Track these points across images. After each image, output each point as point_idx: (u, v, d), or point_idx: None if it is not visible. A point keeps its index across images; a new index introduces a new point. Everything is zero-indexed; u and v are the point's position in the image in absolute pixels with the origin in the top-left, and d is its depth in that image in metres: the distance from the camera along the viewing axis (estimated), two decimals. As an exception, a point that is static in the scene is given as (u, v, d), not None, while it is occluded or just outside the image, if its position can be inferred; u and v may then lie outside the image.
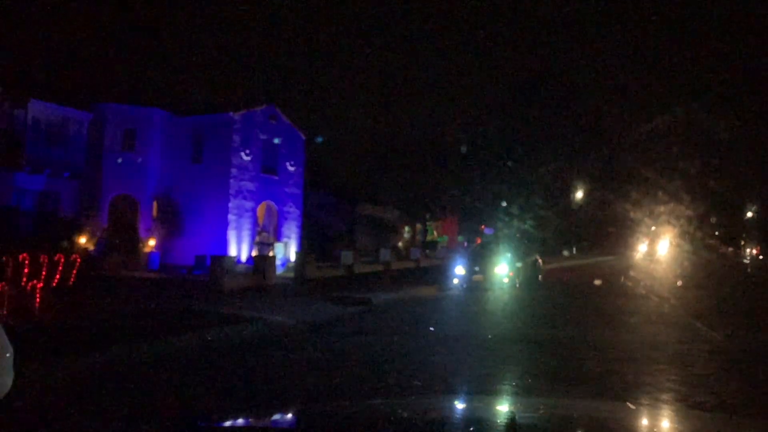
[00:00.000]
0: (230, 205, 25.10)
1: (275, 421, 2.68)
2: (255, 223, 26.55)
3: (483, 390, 6.67)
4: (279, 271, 23.28)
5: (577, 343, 9.67)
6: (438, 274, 20.08)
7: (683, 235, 55.99)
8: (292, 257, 24.78)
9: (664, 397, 6.54)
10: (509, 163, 42.09)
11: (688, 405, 6.23)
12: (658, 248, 58.26)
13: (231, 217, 25.15)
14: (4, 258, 11.33)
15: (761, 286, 23.73)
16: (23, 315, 9.88)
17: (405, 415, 2.67)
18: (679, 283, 25.50)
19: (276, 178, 27.44)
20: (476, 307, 14.77)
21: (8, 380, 2.57)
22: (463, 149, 37.14)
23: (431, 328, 11.00)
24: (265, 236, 26.97)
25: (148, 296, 13.75)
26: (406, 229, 38.22)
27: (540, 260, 21.00)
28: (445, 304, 14.95)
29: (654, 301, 16.77)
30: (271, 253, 23.98)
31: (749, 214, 63.39)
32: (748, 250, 62.32)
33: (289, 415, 2.90)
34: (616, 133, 49.25)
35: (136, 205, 25.42)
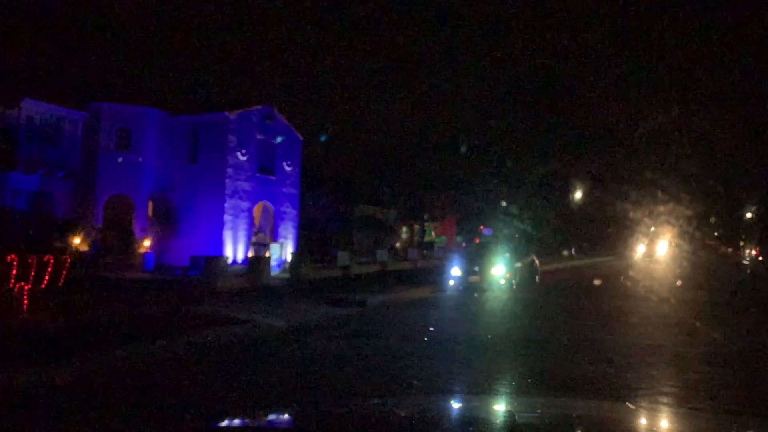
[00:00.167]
0: (226, 205, 24.93)
1: (274, 422, 2.66)
2: (251, 223, 26.38)
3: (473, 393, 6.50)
4: (275, 271, 23.12)
5: (571, 346, 9.50)
6: (435, 275, 19.91)
7: (683, 235, 55.84)
8: (289, 258, 24.62)
9: (663, 400, 6.37)
10: (508, 163, 41.96)
11: (687, 406, 6.13)
12: (657, 249, 58.14)
13: (227, 217, 24.98)
14: (-8, 259, 11.17)
15: (761, 289, 23.53)
16: (6, 317, 9.69)
17: (402, 415, 2.65)
18: (679, 282, 25.37)
19: (272, 178, 27.27)
20: (471, 309, 14.58)
21: None
22: (463, 149, 36.99)
23: (424, 332, 10.81)
24: (261, 237, 26.80)
25: (138, 298, 13.55)
26: (404, 229, 38.05)
27: (537, 261, 20.80)
28: (440, 307, 14.75)
29: (653, 302, 16.63)
30: (267, 254, 23.82)
31: (748, 215, 63.20)
32: (747, 251, 62.13)
33: (290, 416, 2.88)
34: (616, 133, 49.14)
35: (131, 205, 25.26)
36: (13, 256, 11.58)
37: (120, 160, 24.64)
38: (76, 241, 22.24)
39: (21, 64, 26.24)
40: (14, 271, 11.45)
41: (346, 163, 39.64)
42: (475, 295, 16.72)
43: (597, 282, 23.33)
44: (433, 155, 37.99)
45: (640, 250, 57.00)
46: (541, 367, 7.84)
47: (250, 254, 24.68)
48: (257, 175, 26.34)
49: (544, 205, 43.68)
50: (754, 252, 59.92)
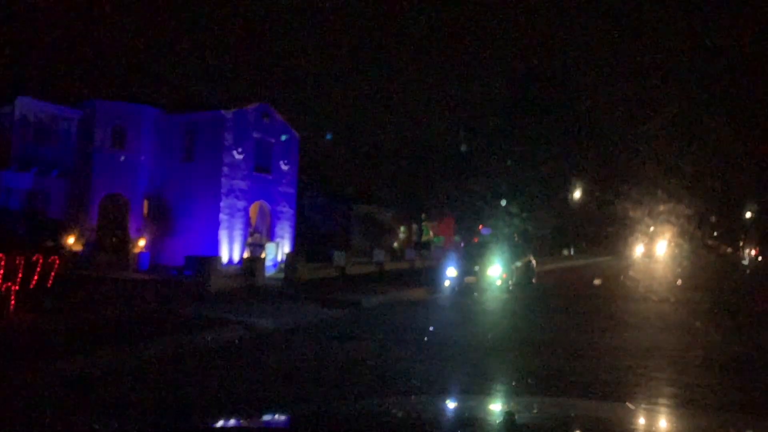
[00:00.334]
0: (222, 204, 24.73)
1: (270, 422, 2.63)
2: (247, 223, 26.18)
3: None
4: (270, 272, 22.95)
5: (566, 350, 9.32)
6: (431, 275, 19.71)
7: (682, 234, 55.70)
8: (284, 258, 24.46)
9: (663, 403, 6.21)
10: (507, 162, 41.77)
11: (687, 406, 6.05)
12: (656, 248, 58.01)
13: (222, 216, 24.79)
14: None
15: (760, 290, 23.37)
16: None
17: (400, 415, 2.64)
18: (679, 282, 25.25)
19: (269, 177, 27.07)
20: (465, 311, 14.37)
21: None
22: (463, 148, 36.80)
23: (415, 335, 10.61)
24: (257, 236, 26.62)
25: (129, 298, 13.38)
26: (402, 229, 37.87)
27: (533, 261, 20.59)
28: (434, 308, 14.56)
29: (652, 303, 16.43)
30: (263, 254, 23.65)
31: (748, 215, 63.02)
32: (746, 251, 61.97)
33: (287, 416, 2.86)
34: (615, 132, 48.95)
35: (126, 204, 25.06)
36: (0, 255, 11.39)
37: (114, 158, 24.44)
38: (70, 240, 22.06)
39: (15, 61, 26.05)
40: (1, 272, 11.25)
41: (344, 162, 39.46)
42: (471, 296, 16.53)
43: (595, 282, 23.16)
44: (431, 154, 37.77)
45: (639, 249, 56.85)
46: (534, 373, 7.66)
47: (246, 254, 24.50)
48: (253, 173, 26.13)
49: (543, 205, 43.51)
50: (753, 252, 59.79)
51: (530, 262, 20.19)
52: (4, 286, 11.19)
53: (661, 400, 6.45)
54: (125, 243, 24.41)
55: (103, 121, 24.50)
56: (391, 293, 16.24)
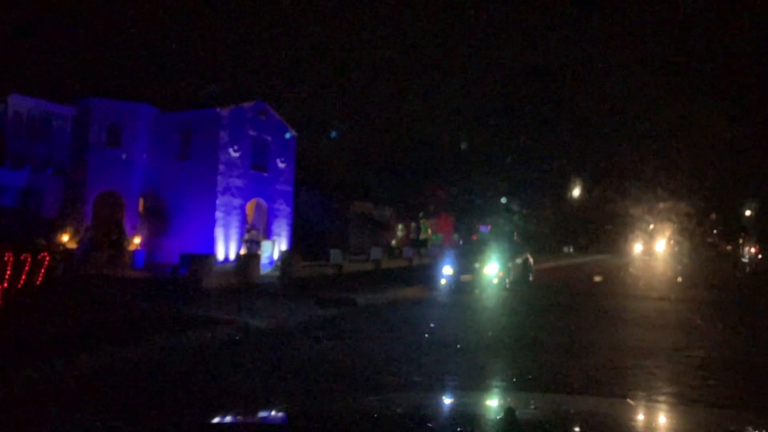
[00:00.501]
0: (218, 202, 24.55)
1: (268, 419, 2.61)
2: (244, 220, 26.02)
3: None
4: (266, 269, 22.78)
5: (561, 349, 9.15)
6: (429, 273, 19.51)
7: (682, 232, 55.53)
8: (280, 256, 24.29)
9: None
10: (507, 160, 41.60)
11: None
12: (656, 246, 57.85)
13: (218, 214, 24.62)
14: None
15: (761, 288, 23.21)
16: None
17: (400, 411, 2.63)
18: (679, 279, 25.14)
19: (266, 174, 26.89)
20: (461, 310, 14.15)
21: None
22: (463, 146, 36.62)
23: (409, 334, 10.44)
24: (254, 234, 26.44)
25: (120, 297, 13.21)
26: (400, 226, 37.69)
27: (531, 259, 20.40)
28: (430, 307, 14.35)
29: (650, 301, 16.26)
30: (259, 252, 23.48)
31: (748, 212, 62.82)
32: (746, 249, 61.78)
33: (285, 413, 2.80)
34: (615, 129, 48.76)
35: (121, 202, 24.89)
36: (-12, 254, 11.22)
37: (110, 156, 24.25)
38: (65, 238, 21.91)
39: (8, 58, 25.86)
40: (-11, 270, 11.07)
41: (342, 160, 39.27)
42: (467, 294, 16.33)
43: (593, 280, 23.01)
44: (430, 152, 37.60)
45: (639, 247, 56.68)
46: (527, 374, 7.48)
47: (243, 252, 24.32)
48: (250, 171, 25.96)
49: (543, 203, 43.35)
50: (753, 249, 59.60)
51: (527, 259, 19.99)
52: (-8, 284, 11.03)
53: (661, 398, 6.33)
54: (120, 241, 24.24)
55: (98, 118, 24.33)
56: (387, 292, 16.06)
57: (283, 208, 28.03)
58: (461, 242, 36.83)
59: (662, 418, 2.85)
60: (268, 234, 26.95)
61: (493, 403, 3.08)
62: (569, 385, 6.88)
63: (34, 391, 6.27)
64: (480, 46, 71.74)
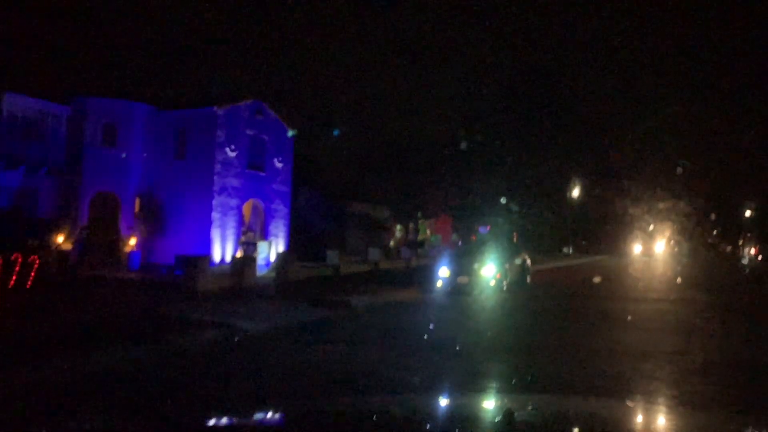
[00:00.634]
0: (214, 202, 24.38)
1: (266, 420, 2.61)
2: (240, 221, 25.85)
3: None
4: (263, 271, 22.59)
5: (558, 353, 8.98)
6: (426, 274, 19.32)
7: (681, 233, 55.36)
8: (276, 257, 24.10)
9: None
10: (506, 160, 41.43)
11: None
12: (656, 247, 57.68)
13: (215, 215, 24.44)
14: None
15: (760, 289, 23.03)
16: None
17: (398, 413, 2.63)
18: (678, 280, 25.01)
19: (263, 174, 26.72)
20: (456, 313, 13.92)
21: None
22: (462, 146, 36.44)
23: (402, 338, 10.26)
24: (251, 235, 26.28)
25: (111, 299, 13.04)
26: (398, 227, 37.51)
27: (528, 260, 20.20)
28: (424, 310, 14.14)
29: (649, 303, 16.07)
30: (255, 253, 23.31)
31: (748, 213, 62.64)
32: (746, 250, 61.61)
33: (283, 413, 2.80)
34: (614, 129, 48.64)
35: (117, 202, 24.71)
36: (-24, 255, 11.07)
37: (105, 156, 24.06)
38: (60, 239, 21.71)
39: (3, 57, 25.69)
40: (-22, 272, 10.93)
41: (340, 160, 39.10)
42: (463, 296, 16.13)
43: (592, 282, 22.82)
44: (428, 152, 37.43)
45: (638, 248, 56.49)
46: (521, 379, 7.30)
47: (239, 253, 24.16)
48: (247, 171, 25.79)
49: (542, 203, 43.19)
50: (753, 251, 59.43)
51: (525, 261, 19.79)
52: (-19, 286, 10.89)
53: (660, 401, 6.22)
54: (116, 242, 24.07)
55: (93, 118, 24.14)
56: (382, 293, 15.88)
57: (281, 208, 27.85)
58: (460, 243, 36.64)
59: (661, 420, 2.84)
60: (265, 235, 26.77)
61: (492, 404, 3.07)
62: (565, 391, 6.70)
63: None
64: (478, 46, 71.61)
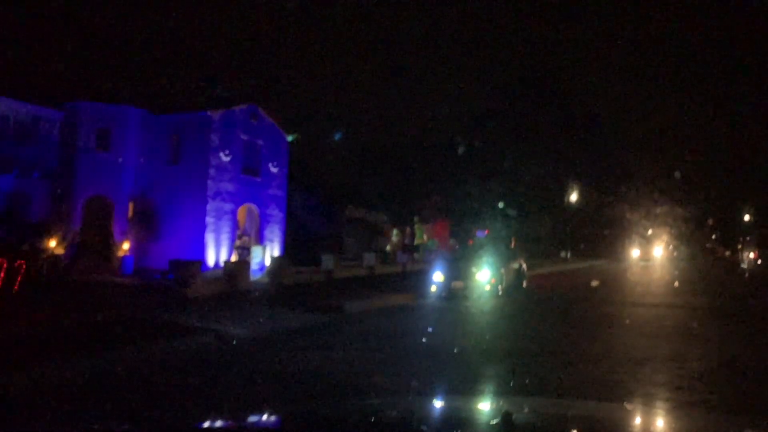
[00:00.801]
0: (208, 207, 24.19)
1: (261, 422, 2.57)
2: (235, 226, 25.66)
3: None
4: (256, 275, 22.41)
5: (552, 361, 8.79)
6: (420, 279, 19.12)
7: (680, 237, 55.20)
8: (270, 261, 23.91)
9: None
10: (504, 164, 41.32)
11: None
12: (654, 251, 57.46)
13: (209, 219, 24.25)
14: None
15: (760, 294, 22.83)
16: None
17: (396, 415, 2.62)
18: (676, 284, 24.86)
19: (258, 179, 26.55)
20: (449, 319, 13.71)
21: None
22: (461, 150, 36.32)
23: (393, 344, 10.06)
24: (245, 240, 26.10)
25: (98, 303, 12.82)
26: (395, 231, 37.31)
27: (524, 265, 19.98)
28: (418, 315, 13.93)
29: (647, 308, 15.86)
30: (248, 258, 23.14)
31: (747, 218, 62.48)
32: (745, 254, 61.39)
33: (278, 416, 2.78)
34: (613, 134, 48.54)
35: (110, 207, 24.51)
36: (-39, 260, 10.89)
37: (98, 160, 23.88)
38: (52, 243, 21.52)
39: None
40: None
41: (337, 164, 38.94)
42: (457, 302, 15.90)
43: (589, 286, 22.65)
44: (425, 156, 37.28)
45: (636, 252, 56.28)
46: (512, 388, 7.11)
47: (234, 258, 23.98)
48: (241, 176, 25.62)
49: (540, 207, 43.04)
50: (752, 255, 59.22)
51: (521, 265, 19.57)
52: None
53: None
54: (109, 246, 23.86)
55: (86, 122, 23.97)
56: (376, 298, 15.68)
57: (276, 213, 27.67)
58: (457, 247, 36.42)
59: (660, 422, 2.85)
60: (260, 239, 26.59)
61: (490, 407, 3.07)
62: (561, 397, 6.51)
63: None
64: (477, 50, 71.58)
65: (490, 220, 36.74)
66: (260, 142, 26.59)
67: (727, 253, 69.15)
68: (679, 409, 5.85)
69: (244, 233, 26.44)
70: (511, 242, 30.13)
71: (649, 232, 54.90)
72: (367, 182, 36.45)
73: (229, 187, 25.08)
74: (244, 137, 25.78)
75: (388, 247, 35.08)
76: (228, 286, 17.60)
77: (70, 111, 23.77)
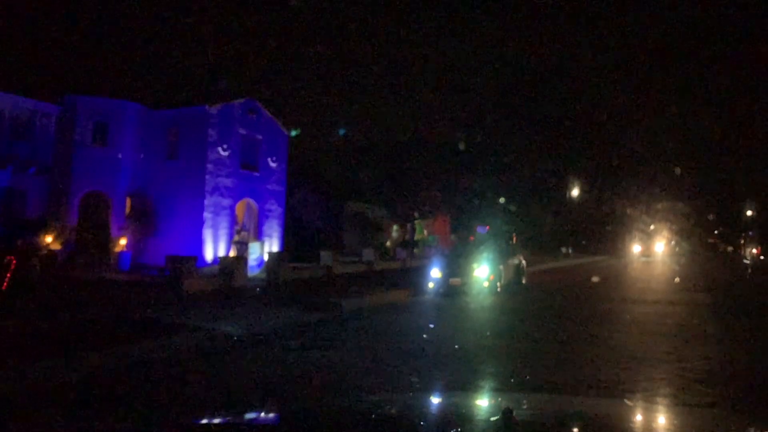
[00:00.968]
0: (206, 202, 24.02)
1: (260, 419, 2.55)
2: (233, 221, 25.48)
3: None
4: (254, 271, 22.26)
5: (545, 360, 8.60)
6: (419, 275, 18.93)
7: (682, 233, 54.93)
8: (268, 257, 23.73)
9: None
10: (505, 160, 41.10)
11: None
12: (656, 247, 57.20)
13: (207, 215, 24.09)
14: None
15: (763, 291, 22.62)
16: None
17: (396, 412, 2.60)
18: (677, 280, 24.68)
19: (256, 174, 26.36)
20: (444, 316, 13.52)
21: None
22: (461, 146, 36.10)
23: (387, 343, 9.87)
24: (244, 235, 25.93)
25: (90, 301, 12.65)
26: (395, 227, 37.12)
27: (524, 261, 19.76)
28: (413, 313, 13.69)
29: (648, 305, 15.66)
30: (246, 254, 22.97)
31: (749, 213, 62.13)
32: (748, 250, 61.07)
33: (276, 413, 2.75)
34: (614, 129, 48.24)
35: (107, 202, 24.35)
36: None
37: (96, 155, 23.71)
38: (48, 239, 21.37)
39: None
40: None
41: (337, 159, 38.73)
42: (454, 299, 15.69)
43: (589, 283, 22.46)
44: (426, 151, 37.04)
45: (637, 248, 56.05)
46: (507, 389, 6.93)
47: (232, 253, 23.82)
48: (240, 171, 25.43)
49: (541, 203, 42.83)
50: (755, 251, 58.91)
51: (520, 262, 19.35)
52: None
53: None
54: (106, 242, 23.71)
55: (83, 117, 23.78)
56: (374, 295, 15.47)
57: (275, 208, 27.49)
58: (456, 243, 36.21)
59: (661, 419, 2.82)
60: (259, 235, 26.41)
61: (490, 403, 3.04)
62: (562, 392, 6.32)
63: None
64: (477, 46, 71.23)
65: (491, 215, 36.52)
66: (259, 136, 26.40)
67: (730, 248, 68.85)
68: (680, 406, 5.73)
69: (243, 228, 26.27)
70: (511, 238, 29.92)
71: (651, 227, 54.63)
72: (367, 177, 36.24)
73: (227, 182, 24.90)
74: (242, 132, 25.59)
75: (388, 243, 34.90)
76: (224, 282, 17.43)
77: (67, 105, 23.58)
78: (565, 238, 46.04)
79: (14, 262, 12.11)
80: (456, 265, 16.70)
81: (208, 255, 23.70)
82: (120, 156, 24.35)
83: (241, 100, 25.64)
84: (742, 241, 66.43)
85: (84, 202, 23.92)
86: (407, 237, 36.39)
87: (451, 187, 37.18)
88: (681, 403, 6.30)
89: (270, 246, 26.13)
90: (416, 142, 37.60)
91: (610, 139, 47.28)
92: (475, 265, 16.33)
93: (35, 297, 12.46)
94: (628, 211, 48.50)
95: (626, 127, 47.44)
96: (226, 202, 24.94)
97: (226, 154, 24.76)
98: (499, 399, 3.35)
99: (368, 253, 26.13)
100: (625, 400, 4.88)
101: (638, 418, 2.73)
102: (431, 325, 12.09)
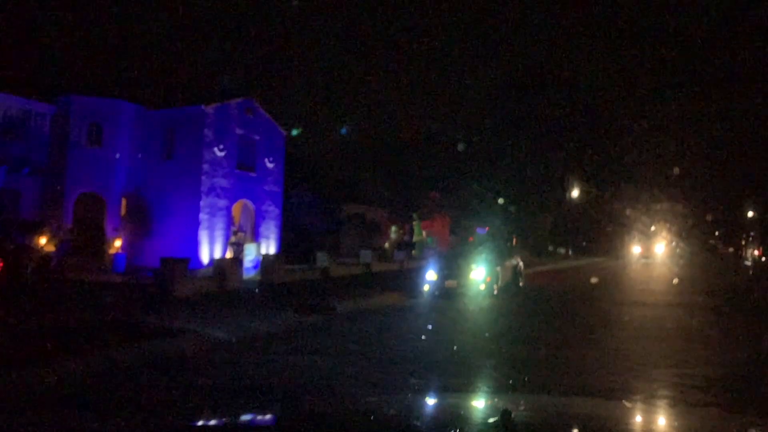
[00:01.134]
0: (202, 203, 23.81)
1: (258, 421, 2.55)
2: (230, 222, 25.26)
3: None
4: (250, 273, 22.04)
5: (540, 367, 8.39)
6: (416, 277, 18.69)
7: (682, 234, 54.70)
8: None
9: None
10: (504, 161, 40.91)
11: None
12: (656, 248, 56.99)
13: (203, 216, 23.87)
14: None
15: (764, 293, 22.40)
16: None
17: (394, 413, 2.60)
18: (675, 281, 24.49)
19: (253, 175, 26.15)
20: (440, 320, 13.25)
21: None
22: (461, 147, 35.93)
23: (379, 348, 9.66)
24: (241, 236, 25.73)
25: (78, 304, 12.42)
26: (393, 229, 36.92)
27: (521, 263, 19.52)
28: (407, 317, 13.46)
29: (647, 308, 15.43)
30: (240, 255, 22.76)
31: (750, 214, 61.89)
32: (749, 251, 60.84)
33: (274, 415, 2.74)
34: (614, 130, 48.05)
35: (102, 203, 24.14)
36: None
37: (91, 156, 23.52)
38: (42, 241, 21.16)
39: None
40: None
41: (335, 160, 38.53)
42: (450, 301, 15.45)
43: (588, 285, 22.25)
44: (425, 152, 36.85)
45: (637, 249, 55.84)
46: (499, 395, 6.70)
47: (229, 255, 23.63)
48: (236, 171, 25.22)
49: (540, 204, 42.62)
50: (756, 252, 58.70)
51: (518, 264, 19.12)
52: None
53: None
54: (101, 244, 23.51)
55: (78, 117, 23.58)
56: (368, 298, 15.26)
57: (272, 209, 27.28)
58: (452, 245, 36.02)
59: (660, 420, 2.82)
60: (255, 236, 26.20)
61: (488, 404, 3.03)
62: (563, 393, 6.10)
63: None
64: (478, 47, 71.10)
65: (490, 216, 36.32)
66: (256, 137, 26.20)
67: (730, 249, 68.63)
68: (678, 407, 5.66)
69: (239, 230, 26.06)
70: (511, 240, 29.75)
71: (651, 228, 54.42)
72: (366, 178, 36.05)
73: (223, 182, 24.69)
74: (239, 132, 25.39)
75: (386, 245, 34.71)
76: (218, 284, 17.21)
77: (61, 105, 23.39)
78: (565, 240, 45.84)
79: (1, 264, 11.90)
80: (452, 267, 16.48)
81: (204, 256, 23.49)
82: (115, 156, 24.15)
83: (238, 100, 25.43)
84: (743, 243, 66.22)
85: (79, 203, 23.72)
86: (405, 238, 36.19)
87: (450, 188, 36.98)
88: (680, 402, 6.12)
89: (267, 247, 25.92)
90: (415, 143, 37.40)
91: (610, 140, 47.07)
92: (471, 267, 16.10)
93: (25, 299, 12.25)
94: (628, 212, 48.29)
95: (626, 128, 47.22)
96: (223, 203, 24.73)
97: (222, 154, 24.55)
98: (497, 400, 3.32)
99: (366, 255, 25.94)
100: (624, 402, 4.84)
101: (637, 419, 2.73)
102: (424, 329, 11.87)
